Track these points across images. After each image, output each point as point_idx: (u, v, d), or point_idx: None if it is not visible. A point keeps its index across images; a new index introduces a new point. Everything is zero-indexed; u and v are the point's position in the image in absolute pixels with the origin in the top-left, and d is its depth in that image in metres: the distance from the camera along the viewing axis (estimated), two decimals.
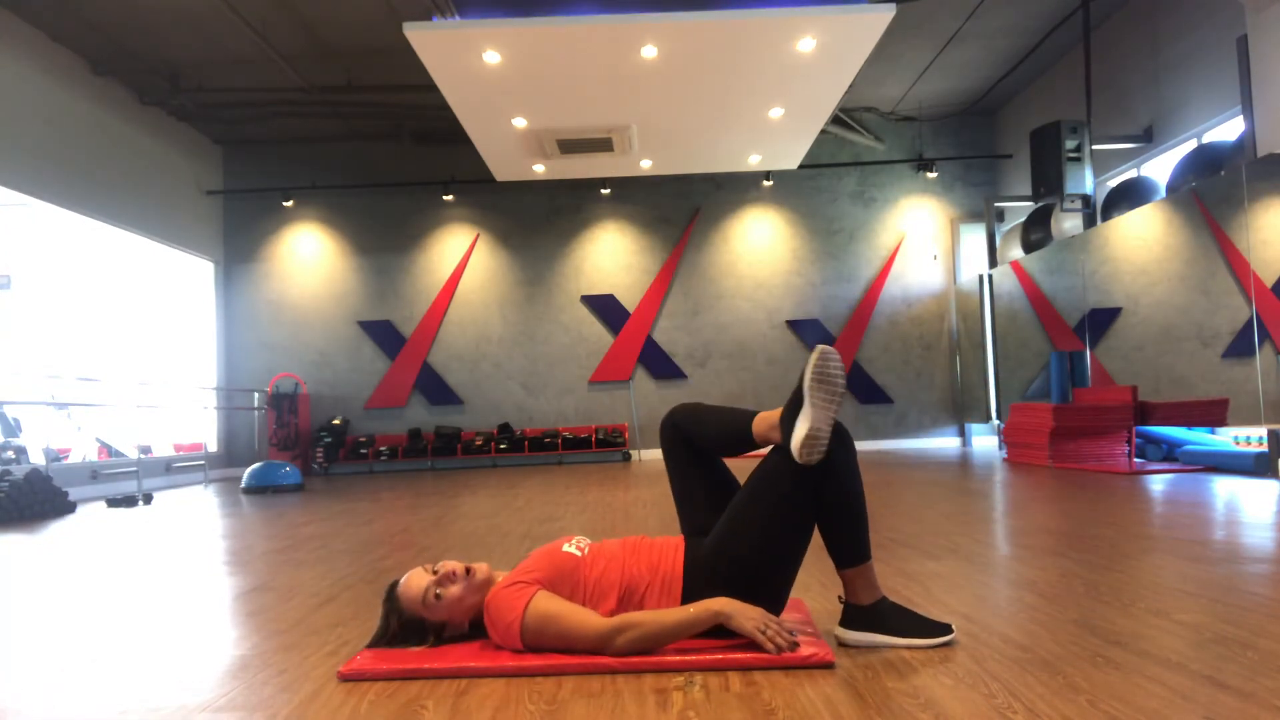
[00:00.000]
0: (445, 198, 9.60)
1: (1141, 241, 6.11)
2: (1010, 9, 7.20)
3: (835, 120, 9.27)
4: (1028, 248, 7.76)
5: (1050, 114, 8.25)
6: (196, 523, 4.53)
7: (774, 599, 1.65)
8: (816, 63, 6.28)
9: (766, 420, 1.68)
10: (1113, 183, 7.66)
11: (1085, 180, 6.86)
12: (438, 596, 1.64)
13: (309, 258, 9.65)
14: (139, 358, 9.72)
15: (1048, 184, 6.96)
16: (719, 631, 1.58)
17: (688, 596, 1.64)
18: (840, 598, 1.71)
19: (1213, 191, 5.43)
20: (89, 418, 9.12)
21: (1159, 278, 5.93)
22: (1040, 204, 7.38)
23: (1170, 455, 6.07)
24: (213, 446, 9.26)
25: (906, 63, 8.21)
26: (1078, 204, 6.94)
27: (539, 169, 8.63)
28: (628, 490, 5.43)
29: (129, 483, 7.34)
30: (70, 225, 9.26)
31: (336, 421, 9.23)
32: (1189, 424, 5.59)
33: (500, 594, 1.62)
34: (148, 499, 6.01)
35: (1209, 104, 6.33)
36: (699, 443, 1.80)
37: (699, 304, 9.60)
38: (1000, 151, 9.58)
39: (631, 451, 9.47)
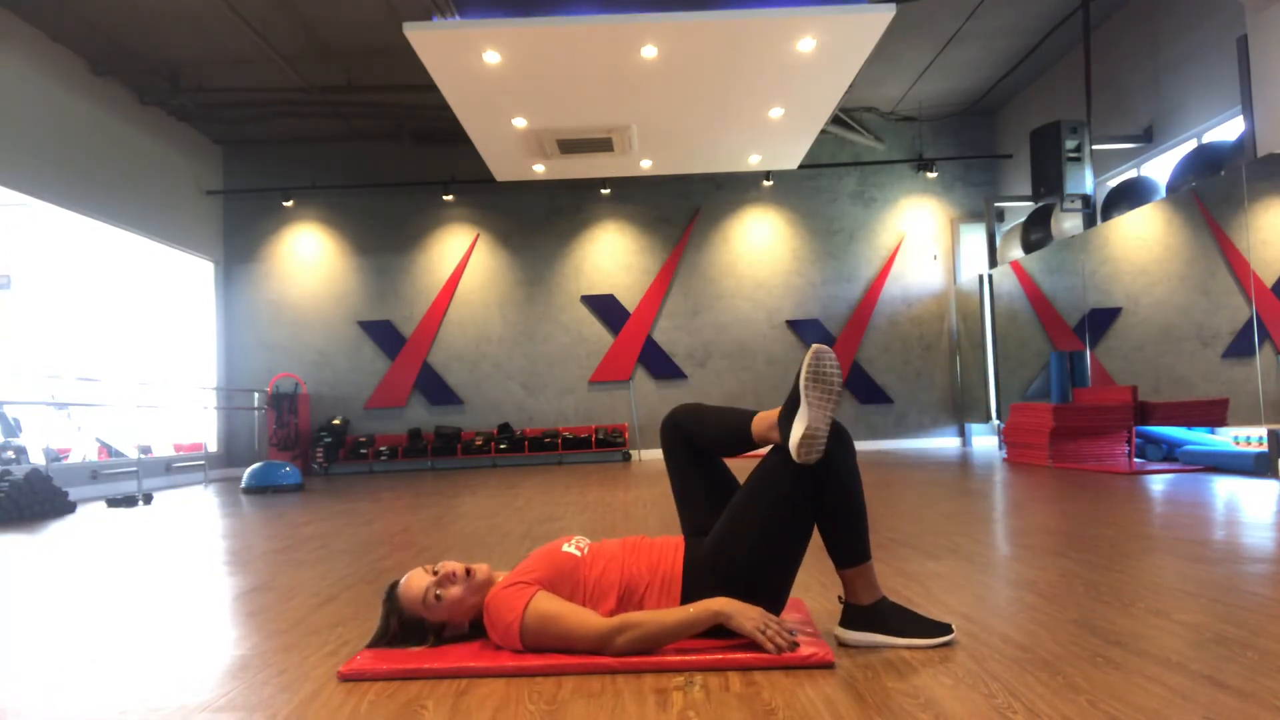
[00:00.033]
0: (445, 198, 9.60)
1: (1141, 241, 6.11)
2: (1010, 9, 7.20)
3: (835, 120, 9.27)
4: (1028, 248, 7.76)
5: (1050, 114, 8.25)
6: (196, 523, 4.53)
7: (774, 599, 1.65)
8: (816, 63, 6.28)
9: (765, 420, 1.68)
10: (1113, 183, 7.66)
11: (1085, 180, 6.86)
12: (438, 597, 1.64)
13: (309, 258, 9.65)
14: (139, 358, 9.72)
15: (1048, 184, 6.96)
16: (719, 631, 1.58)
17: (687, 596, 1.63)
18: (840, 598, 1.70)
19: (1213, 191, 5.43)
20: (89, 418, 9.12)
21: (1159, 278, 5.93)
22: (1040, 204, 7.38)
23: (1170, 455, 6.07)
24: (213, 446, 9.26)
25: (906, 63, 8.21)
26: (1078, 204, 6.94)
27: (539, 169, 8.63)
28: (628, 490, 5.43)
29: (129, 483, 7.34)
30: (70, 225, 9.26)
31: (336, 421, 9.23)
32: (1189, 424, 5.59)
33: (500, 594, 1.62)
34: (148, 499, 6.01)
35: (1209, 104, 6.33)
36: (699, 442, 1.80)
37: (699, 304, 9.59)
38: (1000, 151, 9.57)
39: (631, 451, 9.47)
